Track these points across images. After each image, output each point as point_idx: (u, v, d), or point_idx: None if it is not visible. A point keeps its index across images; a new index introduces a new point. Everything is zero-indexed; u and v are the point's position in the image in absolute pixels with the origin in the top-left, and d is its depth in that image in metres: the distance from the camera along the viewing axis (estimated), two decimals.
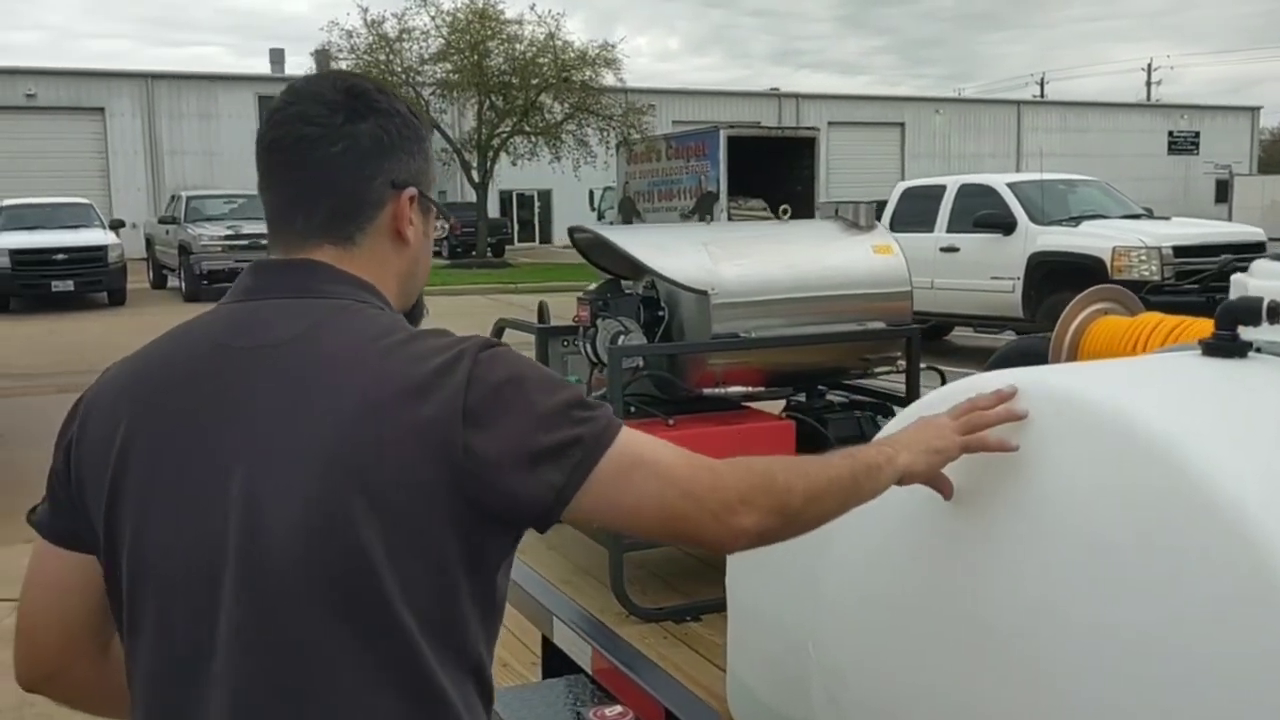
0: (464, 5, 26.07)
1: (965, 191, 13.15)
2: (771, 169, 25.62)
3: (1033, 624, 1.49)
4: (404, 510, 1.15)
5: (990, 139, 51.16)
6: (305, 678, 1.15)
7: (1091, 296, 3.83)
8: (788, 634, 2.50)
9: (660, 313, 3.69)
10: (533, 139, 27.49)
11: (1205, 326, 3.70)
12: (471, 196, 36.61)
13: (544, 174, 31.59)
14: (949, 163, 48.62)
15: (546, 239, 43.54)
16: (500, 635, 1.38)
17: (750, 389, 3.76)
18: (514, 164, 28.24)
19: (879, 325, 3.78)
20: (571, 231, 3.89)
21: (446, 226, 1.48)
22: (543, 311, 4.22)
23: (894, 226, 13.93)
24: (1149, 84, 69.91)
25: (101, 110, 37.98)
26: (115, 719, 1.37)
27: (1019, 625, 1.51)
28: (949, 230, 12.80)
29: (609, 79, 26.32)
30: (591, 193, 31.73)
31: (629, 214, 27.18)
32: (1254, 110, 58.29)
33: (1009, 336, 12.79)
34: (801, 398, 4.09)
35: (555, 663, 2.53)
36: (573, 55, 26.11)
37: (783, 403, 4.23)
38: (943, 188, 13.47)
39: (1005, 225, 12.26)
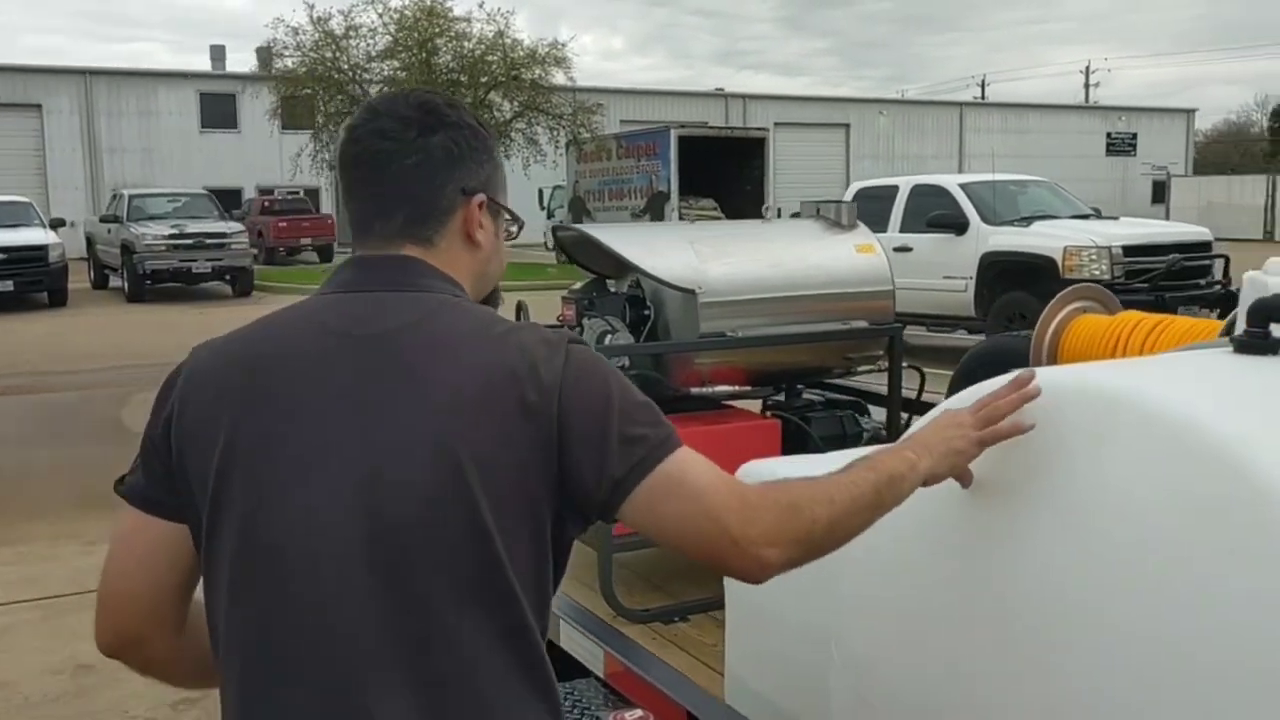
0: (412, 2, 25.83)
1: (918, 192, 13.29)
2: (722, 169, 25.85)
3: (1075, 624, 1.49)
4: (512, 483, 1.27)
5: (933, 140, 51.80)
6: (428, 634, 1.25)
7: (1070, 295, 3.87)
8: (798, 632, 2.49)
9: (646, 312, 3.67)
10: None
11: (1185, 324, 3.77)
12: None
13: None
14: (893, 163, 49.13)
15: None
16: None
17: (734, 388, 3.75)
18: None
19: (862, 324, 3.79)
20: (555, 229, 3.86)
21: (517, 230, 1.59)
22: (521, 311, 4.18)
23: None
24: (1087, 86, 71.18)
25: (39, 107, 37.20)
26: (185, 686, 1.51)
27: (1059, 624, 1.51)
28: (902, 230, 12.93)
29: (559, 77, 26.25)
30: (541, 191, 31.63)
31: (579, 213, 27.21)
32: (1189, 113, 59.58)
33: (961, 335, 12.97)
34: (780, 397, 4.08)
35: (558, 666, 2.50)
36: (522, 53, 25.98)
37: (760, 402, 4.22)
38: (895, 188, 13.61)
39: (958, 225, 12.41)
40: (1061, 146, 51.30)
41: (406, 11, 25.75)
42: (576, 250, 3.93)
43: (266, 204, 32.69)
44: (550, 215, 30.75)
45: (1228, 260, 11.90)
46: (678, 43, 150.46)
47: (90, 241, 24.88)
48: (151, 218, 21.73)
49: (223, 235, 21.14)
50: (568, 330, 1.51)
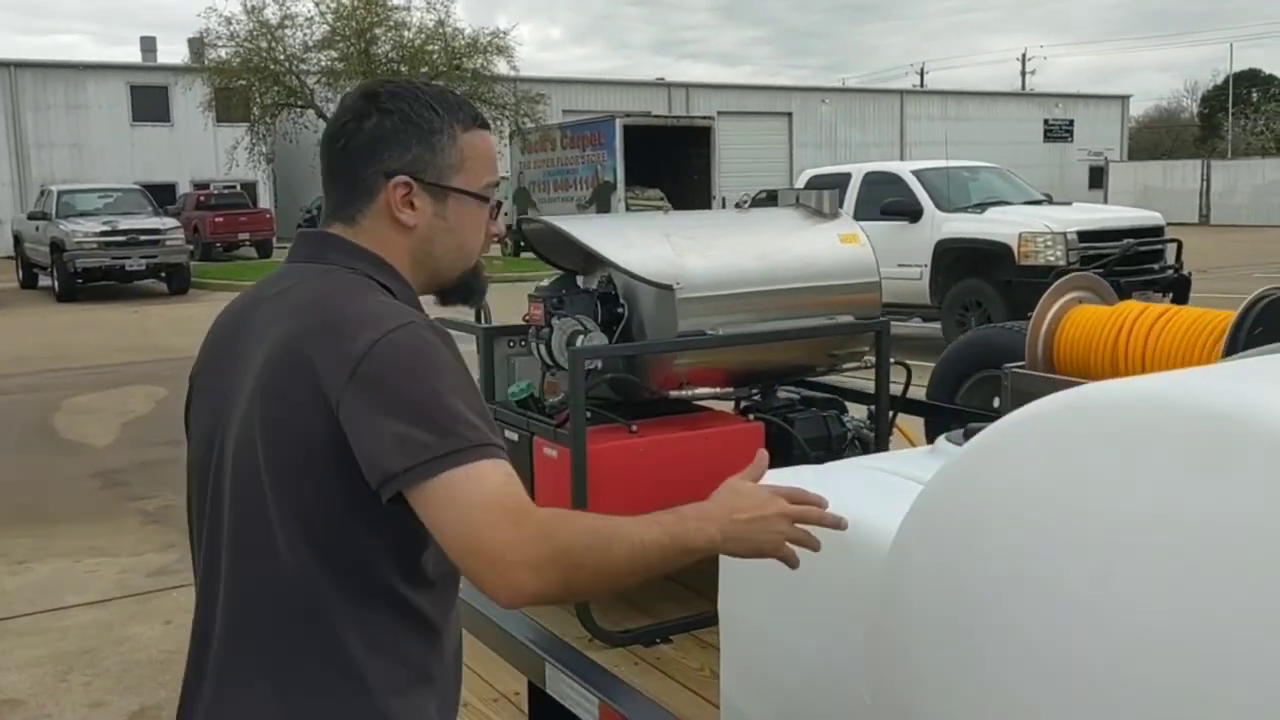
0: None
1: (871, 179, 13.13)
2: (668, 159, 25.57)
3: (1167, 656, 1.26)
4: (292, 446, 1.40)
5: (875, 128, 52.00)
6: (234, 569, 1.45)
7: (1065, 285, 3.68)
8: (809, 663, 2.26)
9: (619, 309, 3.41)
10: None
11: (1192, 315, 3.58)
12: None
13: None
14: (835, 151, 49.28)
15: None
16: (466, 680, 1.56)
17: (711, 390, 3.50)
18: None
19: (848, 319, 3.55)
20: (520, 222, 3.57)
21: (498, 210, 1.62)
22: (482, 310, 3.89)
23: None
24: (1024, 74, 71.93)
25: None
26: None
27: (1149, 659, 1.28)
28: (855, 218, 12.65)
29: (501, 67, 25.84)
30: None
31: (524, 205, 26.81)
32: (1124, 99, 60.37)
33: (917, 323, 12.84)
34: (756, 397, 3.83)
35: (545, 716, 2.23)
36: (464, 42, 25.55)
37: (732, 404, 3.97)
38: (848, 176, 13.44)
39: (912, 213, 12.27)
40: (1000, 133, 51.77)
41: (344, 0, 25.20)
42: (541, 244, 3.65)
43: (202, 199, 31.90)
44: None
45: (1180, 245, 11.87)
46: (615, 33, 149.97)
47: (18, 240, 24.04)
48: (82, 214, 21.03)
49: (157, 231, 20.49)
50: (418, 316, 1.45)
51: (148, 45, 44.19)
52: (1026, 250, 11.26)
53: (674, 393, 3.41)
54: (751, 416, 3.57)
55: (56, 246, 20.19)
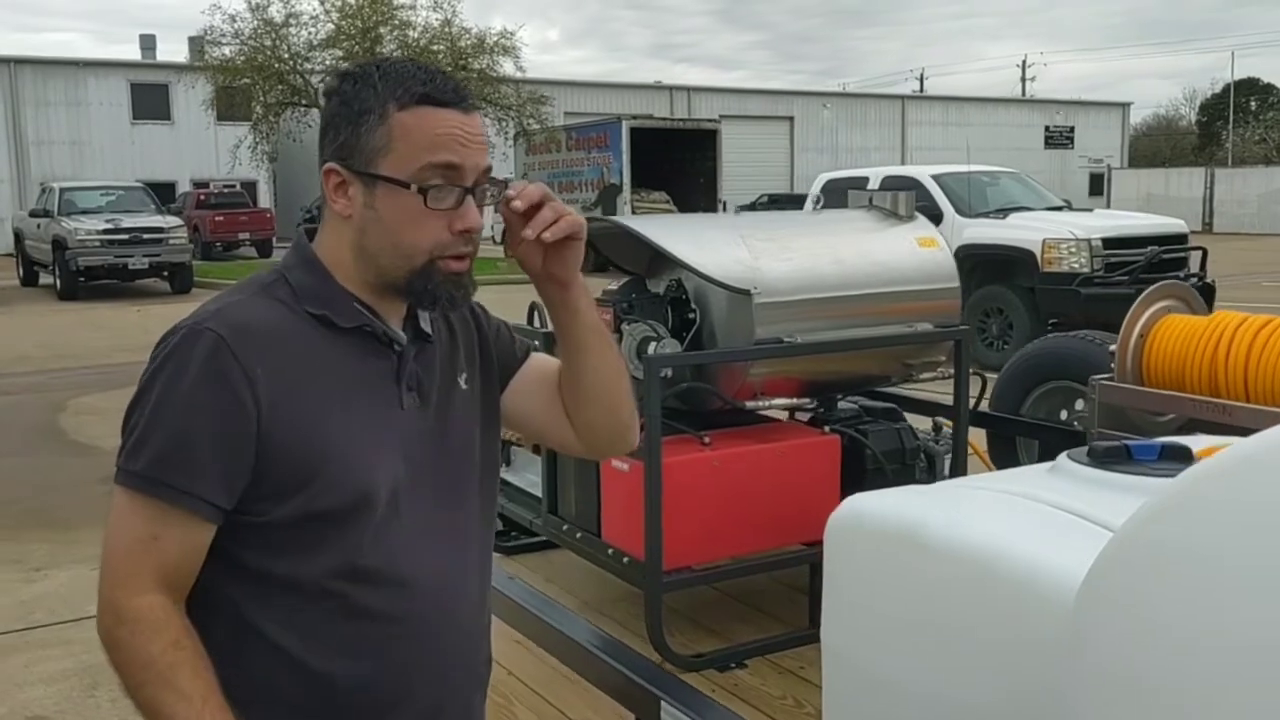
0: None
1: (889, 184, 12.94)
2: (673, 161, 25.47)
3: None
4: None
5: (876, 133, 51.90)
6: None
7: (1154, 295, 3.51)
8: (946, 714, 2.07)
9: (691, 314, 3.23)
10: None
11: None
12: None
13: None
14: (837, 156, 49.14)
15: None
16: None
17: (788, 400, 3.32)
18: None
19: (927, 327, 3.38)
20: (588, 223, 3.38)
21: (498, 197, 1.48)
22: (534, 313, 3.72)
23: None
24: (1024, 80, 71.88)
25: None
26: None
27: None
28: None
29: (507, 67, 25.67)
30: None
31: None
32: (1124, 106, 60.34)
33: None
34: (818, 409, 3.65)
35: None
36: (470, 42, 25.36)
37: (786, 414, 3.80)
38: (865, 179, 13.25)
39: (931, 218, 11.98)
40: (1001, 139, 51.67)
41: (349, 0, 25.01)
42: (605, 244, 3.47)
43: (202, 197, 31.68)
44: (497, 209, 30.02)
45: (1205, 252, 11.72)
46: (611, 36, 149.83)
47: (18, 237, 23.78)
48: (84, 212, 20.78)
49: (160, 230, 20.25)
50: (219, 321, 1.39)
51: (147, 43, 43.95)
52: (1050, 256, 11.10)
53: (749, 404, 3.23)
54: (826, 429, 3.39)
55: (58, 244, 19.96)
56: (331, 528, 1.41)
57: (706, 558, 3.20)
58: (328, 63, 25.49)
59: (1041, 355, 4.30)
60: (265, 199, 37.73)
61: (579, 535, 3.37)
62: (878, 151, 49.96)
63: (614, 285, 3.28)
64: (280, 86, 25.27)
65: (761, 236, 3.28)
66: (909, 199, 3.58)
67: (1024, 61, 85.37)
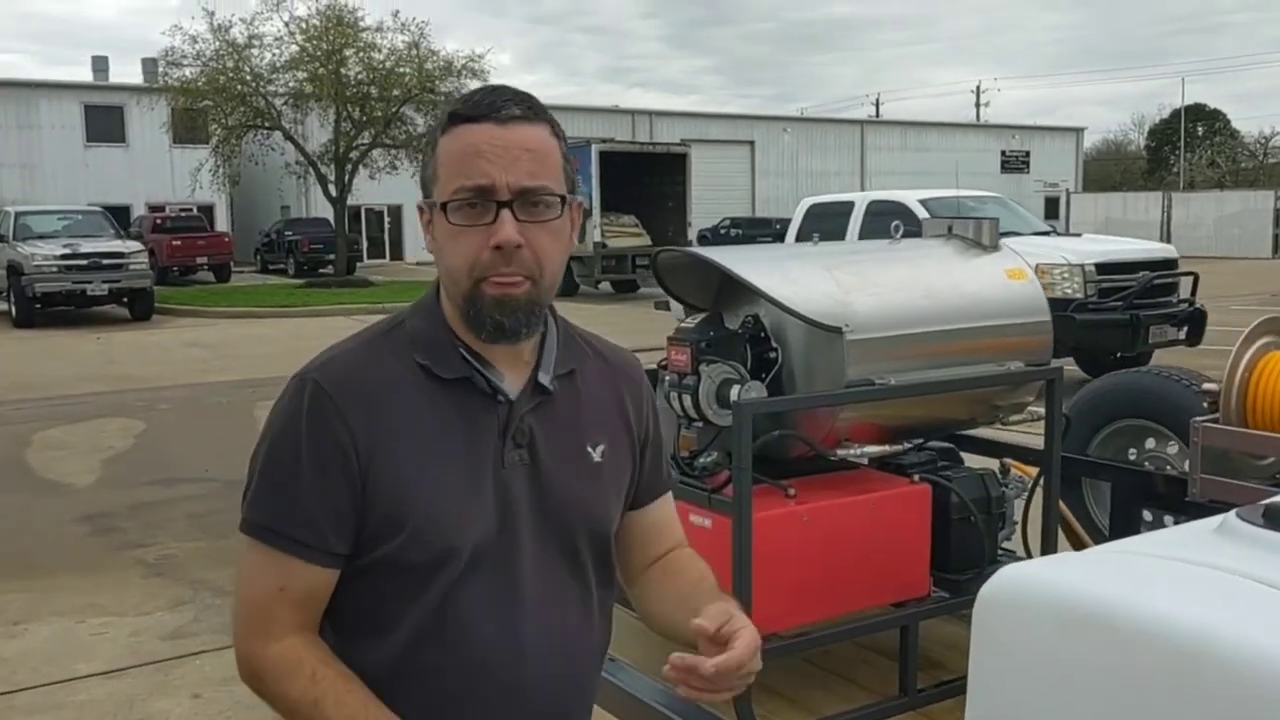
0: (320, 11, 24.70)
1: (874, 209, 12.81)
2: (642, 185, 25.29)
3: None
4: None
5: (836, 157, 52.17)
6: None
7: (1259, 330, 3.29)
8: None
9: (771, 353, 2.95)
10: (393, 152, 26.25)
11: None
12: (317, 211, 34.99)
13: (394, 189, 30.31)
14: (798, 180, 49.32)
15: (398, 256, 42.15)
16: None
17: (874, 446, 3.05)
18: (372, 178, 26.94)
19: (1019, 364, 3.13)
20: (657, 254, 3.11)
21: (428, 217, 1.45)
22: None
23: (799, 244, 13.50)
24: (978, 105, 72.71)
25: None
26: None
27: None
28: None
29: None
30: None
31: None
32: (1079, 131, 61.14)
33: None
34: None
35: None
36: (439, 64, 25.03)
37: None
38: (850, 204, 13.10)
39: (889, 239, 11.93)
40: (959, 164, 52.01)
41: (314, 21, 24.61)
42: (673, 275, 3.20)
43: (159, 221, 31.06)
44: None
45: (1196, 278, 11.63)
46: (565, 60, 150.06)
47: None
48: (41, 236, 20.18)
49: (120, 255, 19.70)
50: (321, 367, 1.40)
51: (100, 65, 43.19)
52: (1044, 282, 10.89)
53: (840, 452, 2.96)
54: (916, 476, 3.12)
55: (14, 270, 19.32)
56: (411, 582, 1.39)
57: (796, 621, 2.91)
58: (291, 85, 25.08)
59: (1112, 392, 4.07)
60: (223, 223, 37.10)
61: None
62: (838, 176, 50.19)
63: (689, 321, 3.00)
64: (242, 108, 24.79)
65: (847, 269, 3.02)
66: (992, 227, 3.34)
67: (978, 87, 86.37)
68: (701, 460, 2.95)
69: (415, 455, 1.39)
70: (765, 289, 2.83)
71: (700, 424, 2.97)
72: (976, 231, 3.33)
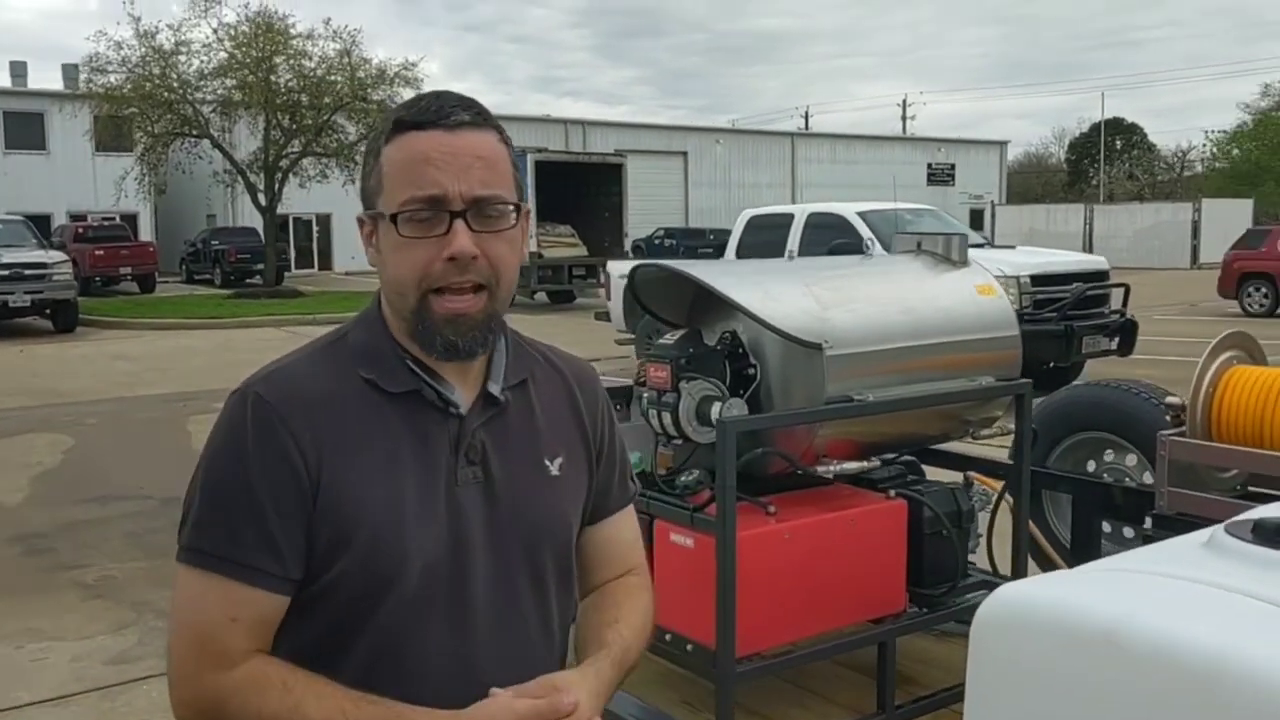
0: (249, 18, 24.28)
1: (814, 221, 12.92)
2: (578, 195, 25.27)
3: None
4: None
5: (767, 169, 52.61)
6: None
7: (1223, 344, 3.34)
8: None
9: (750, 370, 2.94)
10: (323, 161, 25.90)
11: None
12: (244, 220, 34.41)
13: (323, 198, 29.93)
14: (730, 191, 49.66)
15: (326, 265, 41.61)
16: None
17: (851, 463, 3.05)
18: (303, 187, 26.55)
19: (989, 380, 3.15)
20: (634, 270, 3.09)
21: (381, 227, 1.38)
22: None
23: (740, 256, 13.59)
24: (904, 118, 73.85)
25: None
26: None
27: None
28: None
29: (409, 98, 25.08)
30: None
31: None
32: (1002, 144, 62.34)
33: None
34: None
35: None
36: (371, 72, 24.76)
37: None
38: (790, 216, 13.21)
39: (860, 254, 12.05)
40: (886, 176, 52.72)
41: (243, 28, 24.19)
42: (645, 291, 3.17)
43: (81, 231, 30.30)
44: None
45: (1127, 289, 11.89)
46: (494, 69, 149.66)
47: None
48: None
49: (43, 265, 19.16)
50: (262, 381, 1.33)
51: (18, 70, 42.07)
52: None
53: (821, 469, 2.95)
54: (891, 492, 3.12)
55: None
56: (358, 610, 1.33)
57: (778, 640, 2.89)
58: (219, 92, 24.64)
59: (1071, 406, 4.12)
60: (146, 232, 36.33)
61: None
62: (769, 187, 50.63)
63: (669, 338, 2.97)
64: (169, 116, 24.28)
65: (824, 285, 3.02)
66: (961, 243, 3.36)
67: (904, 100, 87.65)
68: (683, 479, 2.92)
69: (364, 472, 1.32)
70: (746, 305, 2.82)
71: (679, 441, 2.94)
72: (946, 247, 3.36)
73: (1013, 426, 3.35)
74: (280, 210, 27.00)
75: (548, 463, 1.44)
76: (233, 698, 1.29)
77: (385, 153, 1.33)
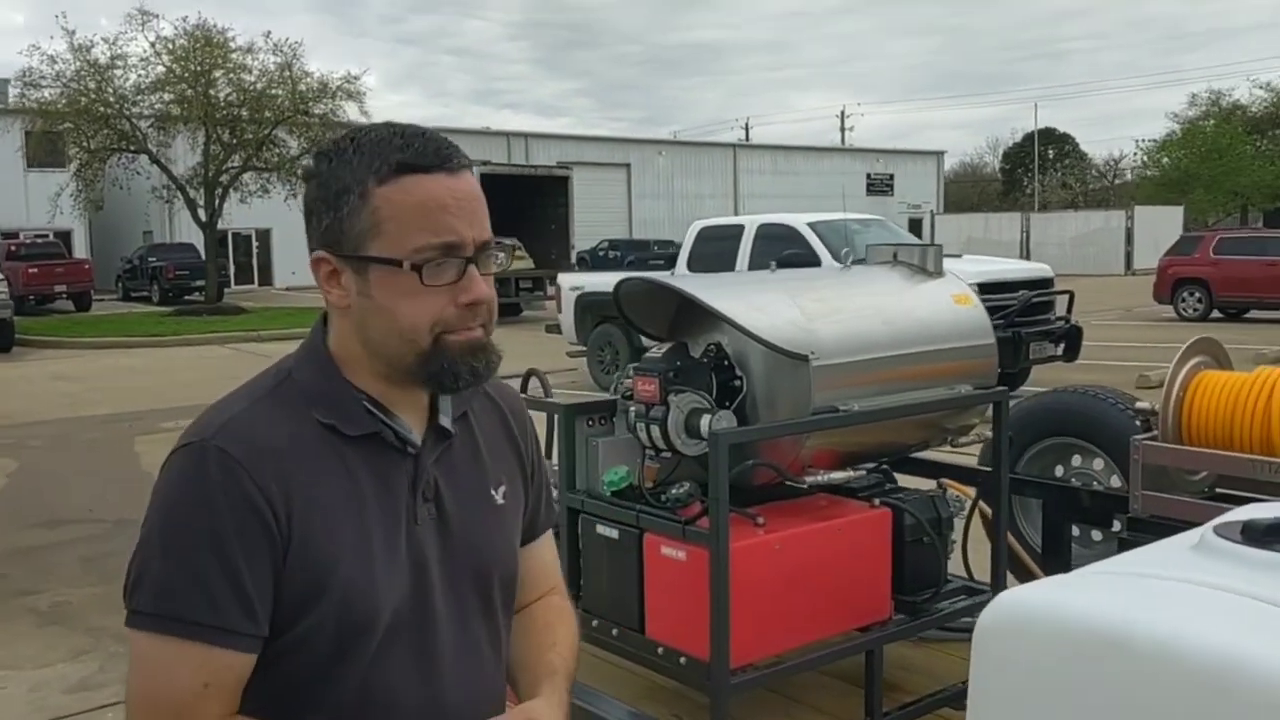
0: (187, 31, 23.94)
1: (764, 232, 12.99)
2: (524, 208, 25.20)
3: None
4: None
5: (709, 180, 52.87)
6: None
7: (1192, 350, 3.42)
8: None
9: (736, 381, 2.96)
10: (264, 175, 25.58)
11: None
12: (182, 236, 33.89)
13: (263, 213, 29.57)
14: (673, 202, 49.85)
15: (267, 281, 41.11)
16: None
17: (835, 473, 3.07)
18: (243, 202, 26.20)
19: (967, 388, 3.20)
20: (619, 284, 3.09)
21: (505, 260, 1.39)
22: (544, 382, 3.38)
23: (691, 267, 13.63)
24: (843, 130, 74.68)
25: None
26: None
27: None
28: (750, 270, 12.57)
29: (352, 112, 24.88)
30: None
31: None
32: (939, 154, 63.26)
33: None
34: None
35: None
36: (313, 85, 24.52)
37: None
38: (741, 227, 13.28)
39: (810, 265, 12.15)
40: (826, 186, 53.33)
41: (181, 41, 23.85)
42: (629, 304, 3.17)
43: (13, 248, 29.65)
44: None
45: (1072, 295, 12.11)
46: (432, 81, 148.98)
47: None
48: None
49: None
50: (221, 432, 1.27)
51: None
52: None
53: (810, 479, 2.97)
54: (876, 501, 3.15)
55: None
56: (327, 661, 1.30)
57: (769, 651, 2.91)
58: (157, 106, 24.25)
59: (1039, 412, 4.19)
60: (81, 249, 35.65)
61: (614, 632, 3.02)
62: (712, 198, 50.88)
63: (656, 351, 2.98)
64: (105, 131, 23.85)
65: (809, 295, 3.05)
66: (937, 253, 3.41)
67: (843, 112, 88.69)
68: (672, 492, 2.92)
69: (333, 520, 1.29)
70: (734, 317, 2.83)
71: (668, 455, 2.94)
72: (922, 258, 3.40)
73: (986, 433, 3.40)
74: (220, 226, 26.66)
75: (493, 492, 1.45)
76: None
77: (383, 194, 1.28)
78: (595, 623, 3.08)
